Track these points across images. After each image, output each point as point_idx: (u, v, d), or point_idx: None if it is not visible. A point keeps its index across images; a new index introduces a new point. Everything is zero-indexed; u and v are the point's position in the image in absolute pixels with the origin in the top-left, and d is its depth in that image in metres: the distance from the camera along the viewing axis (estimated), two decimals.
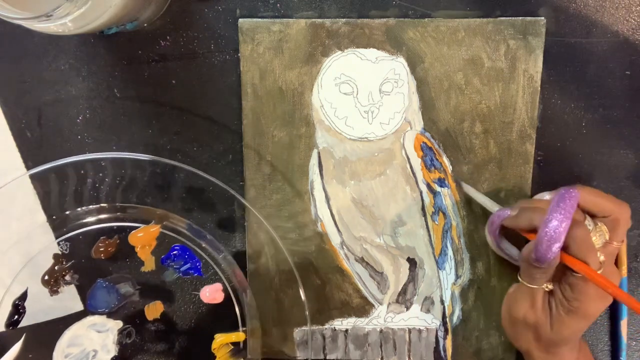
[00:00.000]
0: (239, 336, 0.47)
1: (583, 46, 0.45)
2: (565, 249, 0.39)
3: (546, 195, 0.43)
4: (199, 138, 0.47)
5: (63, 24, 0.34)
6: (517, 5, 0.44)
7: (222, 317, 0.48)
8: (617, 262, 0.47)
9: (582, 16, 0.45)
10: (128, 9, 0.38)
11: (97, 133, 0.47)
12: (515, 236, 0.43)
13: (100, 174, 0.47)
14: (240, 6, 0.45)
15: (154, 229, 0.45)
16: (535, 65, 0.45)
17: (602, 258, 0.39)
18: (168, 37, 0.45)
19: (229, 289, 0.47)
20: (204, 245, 0.46)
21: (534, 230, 0.39)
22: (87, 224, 0.46)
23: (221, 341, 0.46)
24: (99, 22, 0.36)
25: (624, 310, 0.48)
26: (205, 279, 0.47)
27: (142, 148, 0.47)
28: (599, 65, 0.45)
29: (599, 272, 0.38)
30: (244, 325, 0.47)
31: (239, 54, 0.45)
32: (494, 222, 0.44)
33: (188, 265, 0.47)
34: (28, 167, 0.47)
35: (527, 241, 0.41)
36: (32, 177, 0.46)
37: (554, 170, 0.47)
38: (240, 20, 0.44)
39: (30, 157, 0.47)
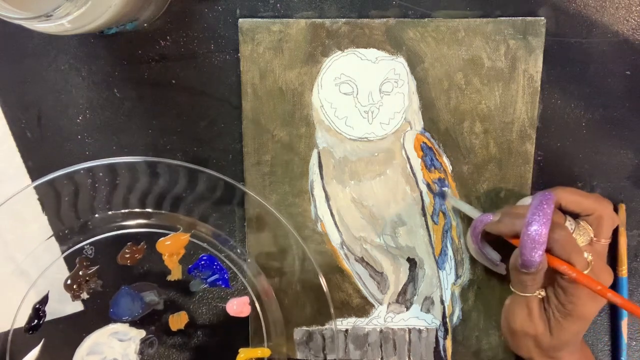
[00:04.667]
0: (264, 352, 0.45)
1: (583, 46, 0.45)
2: (549, 251, 0.39)
3: (528, 200, 0.43)
4: (199, 138, 0.47)
5: (63, 24, 0.34)
6: (517, 5, 0.44)
7: (247, 330, 0.47)
8: (617, 262, 0.47)
9: (582, 16, 0.45)
10: (128, 9, 0.38)
11: (97, 133, 0.47)
12: (497, 242, 0.44)
13: (118, 179, 0.46)
14: (240, 6, 0.45)
15: (184, 237, 0.44)
16: (535, 65, 0.45)
17: (589, 257, 0.39)
18: (168, 37, 0.45)
19: (256, 302, 0.45)
20: (231, 255, 0.45)
21: (517, 236, 0.40)
22: (112, 229, 0.45)
23: (245, 356, 0.45)
24: (99, 22, 0.36)
25: (624, 310, 0.48)
26: (232, 290, 0.46)
27: (142, 148, 0.47)
28: (599, 65, 0.45)
29: (586, 271, 0.38)
30: (269, 340, 0.45)
31: (239, 54, 0.45)
32: (477, 227, 0.44)
33: (216, 277, 0.45)
34: (28, 167, 0.47)
35: (511, 245, 0.41)
36: (60, 179, 0.44)
37: (554, 170, 0.47)
38: (240, 20, 0.44)
39: (30, 157, 0.47)
